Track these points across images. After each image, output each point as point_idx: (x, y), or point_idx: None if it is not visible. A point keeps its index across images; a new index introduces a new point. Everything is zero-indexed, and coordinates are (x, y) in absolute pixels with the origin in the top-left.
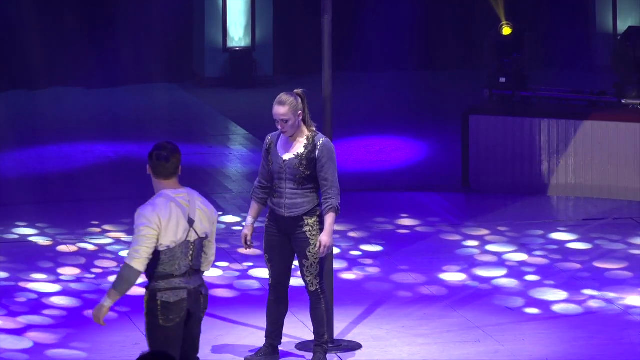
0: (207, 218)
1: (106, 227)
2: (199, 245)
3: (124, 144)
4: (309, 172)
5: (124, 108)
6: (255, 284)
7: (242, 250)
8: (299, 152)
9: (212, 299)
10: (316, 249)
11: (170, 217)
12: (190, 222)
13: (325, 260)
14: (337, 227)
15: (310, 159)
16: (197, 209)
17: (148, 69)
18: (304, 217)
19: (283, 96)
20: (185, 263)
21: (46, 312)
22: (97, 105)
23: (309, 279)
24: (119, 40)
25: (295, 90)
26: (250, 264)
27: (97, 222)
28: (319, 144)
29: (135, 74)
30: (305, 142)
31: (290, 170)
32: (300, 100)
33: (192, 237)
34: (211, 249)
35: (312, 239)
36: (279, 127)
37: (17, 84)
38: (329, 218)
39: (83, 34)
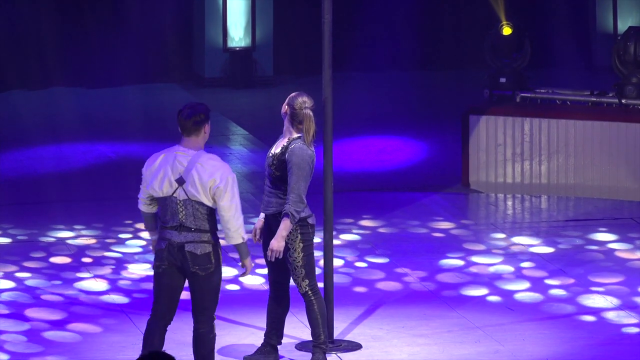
0: (199, 184)
1: (107, 227)
2: (189, 205)
3: (123, 144)
4: (278, 173)
5: (124, 108)
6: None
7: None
8: (275, 152)
9: None
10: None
11: (153, 166)
12: (180, 181)
13: (324, 261)
14: (338, 228)
15: (280, 161)
16: (192, 171)
17: (148, 69)
18: None
19: (300, 92)
20: (176, 218)
21: (45, 312)
22: (97, 105)
23: (297, 281)
24: (119, 40)
25: (306, 110)
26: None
27: (97, 223)
28: (290, 147)
29: (135, 74)
30: (285, 143)
31: (267, 169)
32: (304, 111)
33: (181, 196)
34: (224, 221)
35: (292, 244)
36: None
37: (17, 84)
38: (282, 223)
39: (83, 34)
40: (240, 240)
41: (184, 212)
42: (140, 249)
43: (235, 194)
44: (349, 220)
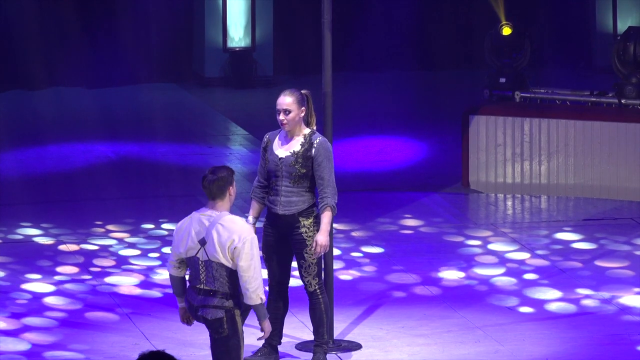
0: (217, 244)
1: (106, 227)
2: (209, 267)
3: (124, 144)
4: (304, 170)
5: (124, 108)
6: None
7: None
8: (295, 150)
9: None
10: (312, 249)
11: (181, 228)
12: (202, 242)
13: (324, 261)
14: (337, 228)
15: (306, 157)
16: (212, 231)
17: (148, 69)
18: (300, 218)
19: (290, 90)
20: (197, 279)
21: (45, 312)
22: (97, 105)
23: (307, 279)
24: (119, 40)
25: (302, 90)
26: None
27: (97, 222)
28: (315, 142)
29: (135, 74)
30: (302, 140)
31: (286, 168)
32: (305, 99)
33: (202, 256)
34: (243, 281)
35: (309, 240)
36: (279, 119)
37: (17, 84)
38: (325, 217)
39: (83, 34)
40: (258, 302)
41: (204, 274)
42: (140, 250)
43: (255, 255)
44: (349, 220)
